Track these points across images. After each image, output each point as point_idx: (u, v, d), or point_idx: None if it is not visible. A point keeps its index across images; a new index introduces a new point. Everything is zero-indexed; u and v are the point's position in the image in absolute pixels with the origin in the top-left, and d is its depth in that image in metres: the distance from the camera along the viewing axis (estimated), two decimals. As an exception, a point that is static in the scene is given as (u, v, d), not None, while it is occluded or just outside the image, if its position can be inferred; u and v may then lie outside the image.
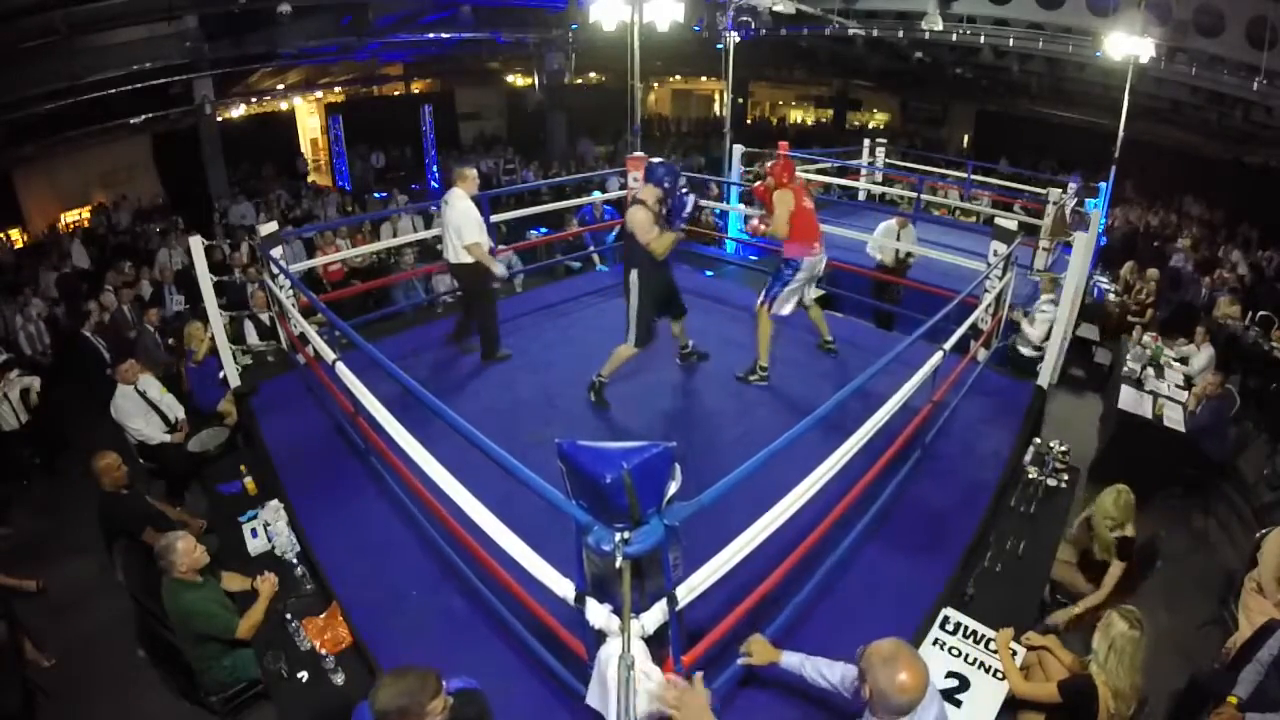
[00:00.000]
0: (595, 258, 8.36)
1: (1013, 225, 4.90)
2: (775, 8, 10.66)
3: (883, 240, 6.85)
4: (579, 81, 16.31)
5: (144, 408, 4.92)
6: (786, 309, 4.45)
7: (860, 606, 2.89)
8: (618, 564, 1.70)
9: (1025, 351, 5.35)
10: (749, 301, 5.91)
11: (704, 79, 20.48)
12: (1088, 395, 6.69)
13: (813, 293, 4.67)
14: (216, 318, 4.51)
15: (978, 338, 4.67)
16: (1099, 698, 2.51)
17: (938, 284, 5.79)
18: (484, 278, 4.66)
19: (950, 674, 2.63)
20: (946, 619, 2.83)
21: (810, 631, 2.71)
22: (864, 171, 11.19)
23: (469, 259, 4.56)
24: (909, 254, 6.87)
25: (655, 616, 1.94)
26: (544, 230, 9.06)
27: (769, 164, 4.56)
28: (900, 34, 11.56)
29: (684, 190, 4.02)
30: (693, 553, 2.13)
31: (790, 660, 2.33)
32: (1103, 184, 9.59)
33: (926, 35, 10.90)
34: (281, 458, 3.86)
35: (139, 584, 3.21)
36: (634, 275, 4.05)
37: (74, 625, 4.16)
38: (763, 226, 4.44)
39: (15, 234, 10.82)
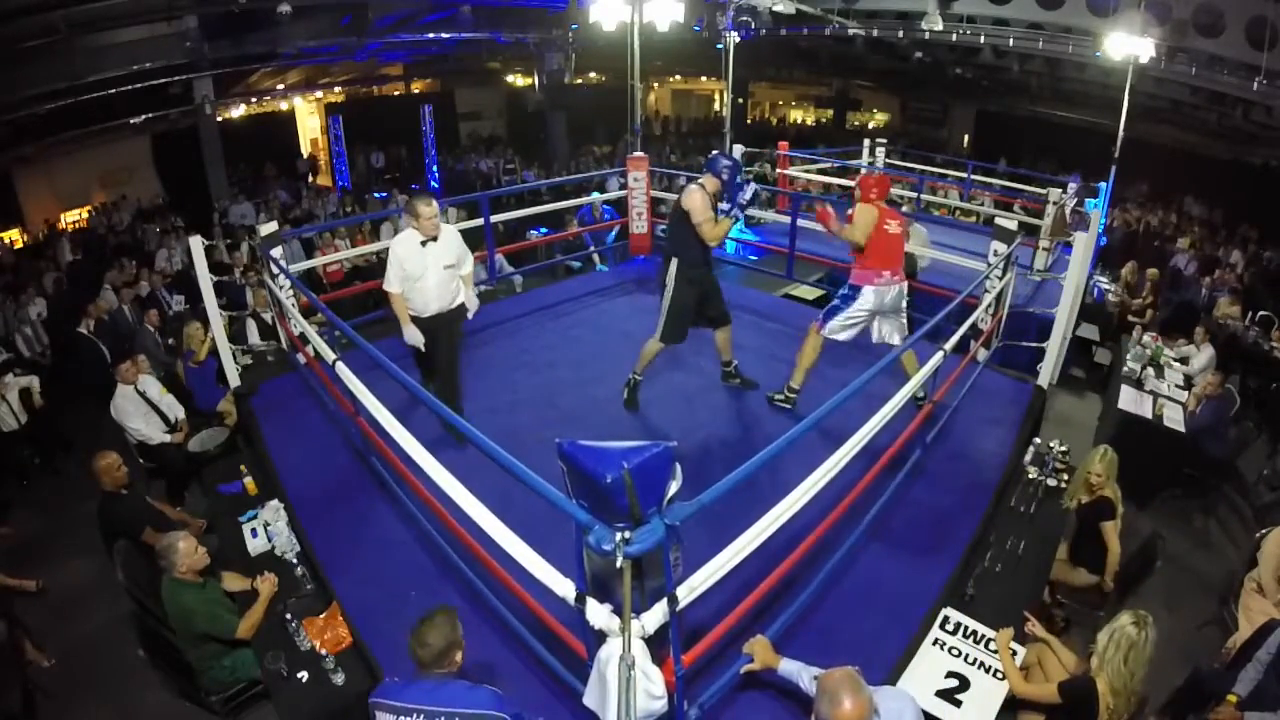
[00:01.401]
0: (595, 258, 8.37)
1: (1013, 225, 4.90)
2: (775, 8, 10.66)
3: None
4: (579, 81, 16.31)
5: (144, 408, 4.93)
6: (842, 336, 4.02)
7: (860, 606, 2.89)
8: (618, 564, 1.70)
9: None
10: (749, 302, 5.94)
11: (704, 79, 20.48)
12: (1088, 395, 6.70)
13: (895, 333, 4.04)
14: (216, 318, 4.51)
15: (977, 337, 4.67)
16: (1098, 699, 2.51)
17: (937, 284, 5.79)
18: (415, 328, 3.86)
19: (950, 674, 2.63)
20: (946, 619, 2.83)
21: (811, 631, 2.71)
22: (864, 171, 11.20)
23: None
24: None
25: (655, 616, 1.94)
26: (544, 230, 9.06)
27: (859, 175, 4.23)
28: (900, 34, 11.55)
29: (743, 179, 3.94)
30: (693, 553, 2.13)
31: (788, 667, 2.33)
32: (1103, 184, 9.59)
33: (926, 35, 10.90)
34: (281, 458, 3.86)
35: (139, 584, 3.21)
36: (673, 265, 3.93)
37: (74, 625, 4.16)
38: (835, 224, 4.01)
39: (15, 234, 10.82)
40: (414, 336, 3.82)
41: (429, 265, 3.76)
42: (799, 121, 22.18)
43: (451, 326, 3.95)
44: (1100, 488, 3.55)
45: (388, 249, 3.78)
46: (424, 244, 3.74)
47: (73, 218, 11.80)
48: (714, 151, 4.19)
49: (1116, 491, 3.56)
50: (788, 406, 4.17)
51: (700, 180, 3.96)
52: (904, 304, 4.03)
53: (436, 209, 3.75)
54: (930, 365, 3.49)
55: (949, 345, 3.71)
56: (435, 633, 2.05)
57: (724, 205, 3.92)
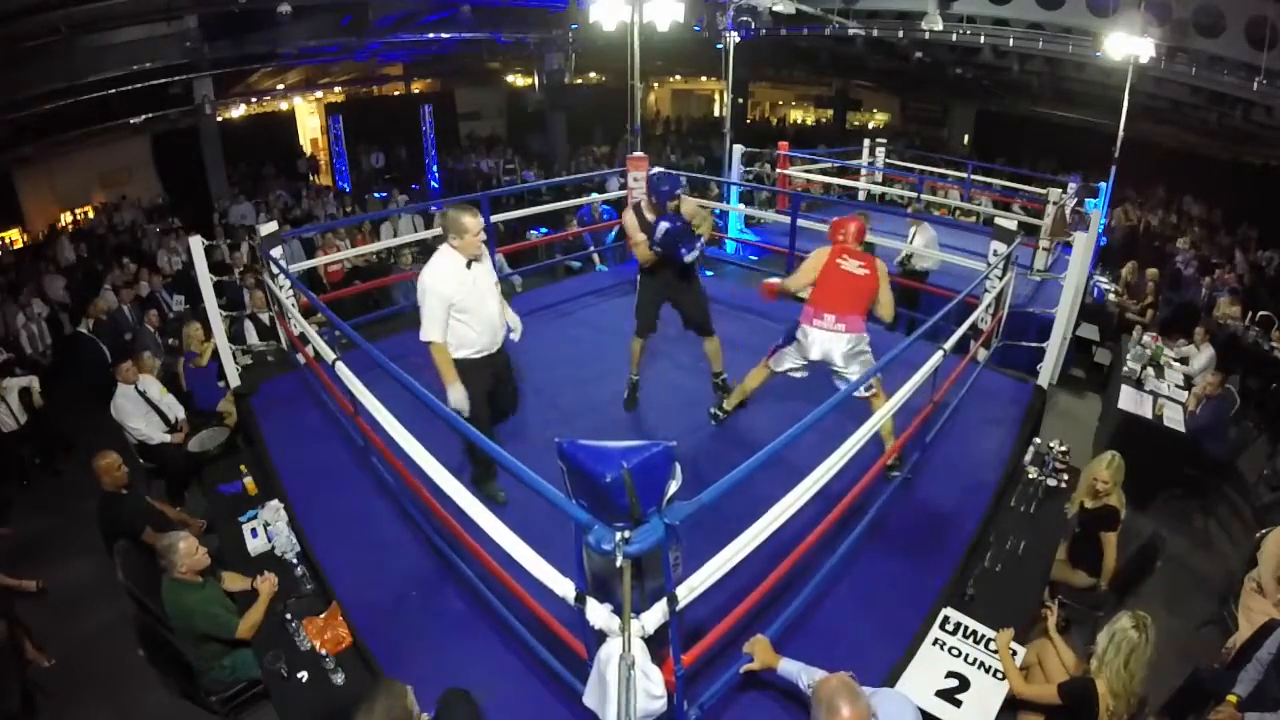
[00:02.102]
0: (595, 258, 8.37)
1: (1013, 225, 4.90)
2: (775, 8, 10.66)
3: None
4: (579, 81, 16.31)
5: (144, 408, 4.93)
6: (782, 367, 3.71)
7: (860, 606, 2.89)
8: (618, 563, 1.70)
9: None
10: (749, 302, 5.92)
11: (704, 79, 20.48)
12: (1088, 395, 6.70)
13: (849, 373, 3.48)
14: (217, 318, 4.51)
15: (977, 337, 4.67)
16: (1098, 700, 2.50)
17: (937, 284, 5.79)
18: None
19: (950, 674, 2.63)
20: (946, 619, 2.83)
21: (810, 631, 2.71)
22: (864, 171, 11.20)
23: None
24: (909, 256, 6.85)
25: (655, 616, 1.94)
26: (544, 230, 9.07)
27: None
28: (900, 34, 11.55)
29: (667, 217, 3.69)
30: (693, 552, 2.13)
31: (788, 667, 2.33)
32: (1103, 184, 9.59)
33: (926, 35, 10.89)
34: (281, 458, 3.86)
35: (139, 584, 3.22)
36: (638, 272, 4.08)
37: (74, 625, 4.16)
38: (777, 285, 3.80)
39: (15, 234, 10.83)
40: (461, 398, 3.08)
41: (483, 290, 3.15)
42: (799, 121, 22.18)
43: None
44: (1105, 494, 3.52)
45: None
46: (469, 265, 3.12)
47: (72, 220, 11.80)
48: (657, 170, 4.03)
49: (1122, 499, 3.54)
50: (715, 422, 4.04)
51: (639, 201, 3.94)
52: (861, 355, 3.51)
53: (482, 222, 3.13)
54: (930, 365, 3.47)
55: (949, 345, 3.71)
56: (378, 713, 1.92)
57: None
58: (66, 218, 11.72)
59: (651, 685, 1.94)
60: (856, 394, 3.15)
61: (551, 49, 14.03)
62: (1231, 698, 2.89)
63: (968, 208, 10.51)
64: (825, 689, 1.83)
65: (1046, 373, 4.61)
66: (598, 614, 1.92)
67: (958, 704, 2.53)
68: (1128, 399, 5.38)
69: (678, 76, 20.83)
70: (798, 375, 3.72)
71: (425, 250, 8.79)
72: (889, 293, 3.59)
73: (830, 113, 20.92)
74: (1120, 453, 3.61)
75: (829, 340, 3.48)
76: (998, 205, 10.36)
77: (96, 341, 6.61)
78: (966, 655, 2.70)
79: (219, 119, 12.88)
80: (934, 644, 2.74)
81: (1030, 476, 3.78)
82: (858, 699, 1.79)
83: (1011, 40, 10.74)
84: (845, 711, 1.76)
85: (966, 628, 2.80)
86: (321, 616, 2.89)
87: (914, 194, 9.74)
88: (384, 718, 1.93)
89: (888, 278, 3.60)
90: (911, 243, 6.79)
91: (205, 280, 4.39)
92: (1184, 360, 6.24)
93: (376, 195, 13.23)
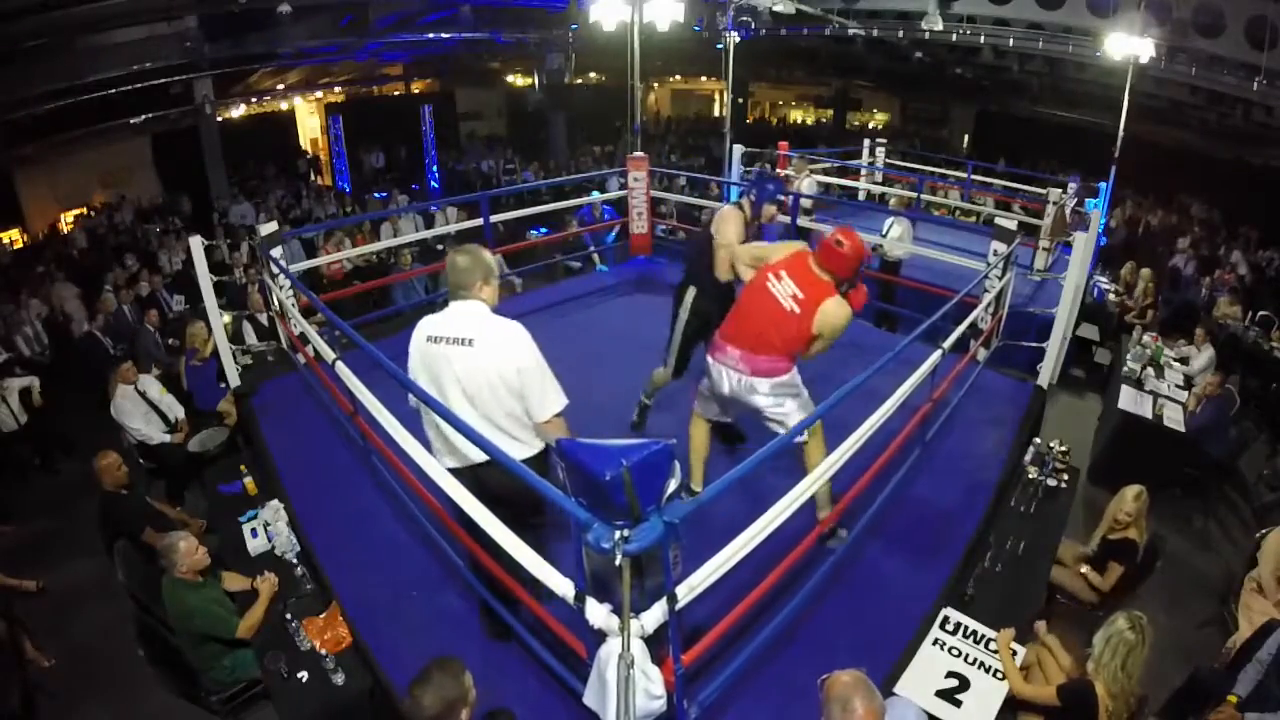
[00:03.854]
0: (595, 258, 8.37)
1: (1012, 225, 4.90)
2: (775, 8, 10.67)
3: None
4: (579, 81, 16.32)
5: (144, 408, 4.94)
6: (709, 413, 3.24)
7: (860, 606, 2.89)
8: (617, 561, 1.70)
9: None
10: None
11: (704, 79, 20.50)
12: (1088, 395, 6.70)
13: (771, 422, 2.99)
14: (217, 318, 4.50)
15: (977, 337, 4.67)
16: (1097, 702, 2.50)
17: (936, 284, 5.78)
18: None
19: (950, 674, 2.63)
20: (946, 619, 2.82)
21: (810, 630, 2.71)
22: (864, 171, 11.19)
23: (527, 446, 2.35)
24: (876, 246, 6.80)
25: (655, 616, 1.94)
26: (544, 230, 9.07)
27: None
28: (900, 34, 11.57)
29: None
30: (692, 551, 2.13)
31: None
32: (1103, 184, 9.60)
33: (926, 35, 10.91)
34: (281, 458, 3.86)
35: (139, 584, 3.22)
36: (690, 293, 3.54)
37: (74, 625, 4.16)
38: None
39: (15, 234, 10.83)
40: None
41: None
42: (799, 121, 22.18)
43: None
44: (1125, 526, 3.55)
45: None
46: None
47: (72, 217, 11.80)
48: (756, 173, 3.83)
49: (1142, 528, 3.56)
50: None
51: (740, 202, 3.60)
52: (762, 406, 2.94)
53: None
54: (929, 364, 3.47)
55: (947, 344, 3.71)
56: (431, 693, 1.90)
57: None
58: (67, 218, 11.73)
59: (651, 685, 1.94)
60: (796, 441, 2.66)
61: (551, 49, 14.04)
62: (1231, 698, 2.89)
63: (968, 208, 10.50)
64: (839, 686, 1.81)
65: (1046, 373, 4.61)
66: (597, 613, 1.92)
67: (958, 704, 2.53)
68: (1128, 399, 5.38)
69: (678, 76, 20.84)
70: (724, 417, 3.24)
71: (425, 250, 8.84)
72: (823, 346, 2.93)
73: (830, 113, 20.92)
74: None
75: (721, 375, 2.92)
76: (998, 205, 10.35)
77: (100, 340, 6.61)
78: (966, 655, 2.70)
79: (219, 119, 12.90)
80: (934, 644, 2.73)
81: (1030, 476, 3.77)
82: (873, 695, 1.78)
83: (1011, 40, 10.76)
84: (861, 710, 1.74)
85: (966, 628, 2.79)
86: (321, 616, 2.89)
87: (912, 194, 9.73)
88: (440, 690, 1.93)
89: (835, 333, 2.88)
90: (886, 234, 6.74)
91: (205, 280, 4.39)
92: (1184, 360, 6.24)
93: (376, 195, 13.23)
